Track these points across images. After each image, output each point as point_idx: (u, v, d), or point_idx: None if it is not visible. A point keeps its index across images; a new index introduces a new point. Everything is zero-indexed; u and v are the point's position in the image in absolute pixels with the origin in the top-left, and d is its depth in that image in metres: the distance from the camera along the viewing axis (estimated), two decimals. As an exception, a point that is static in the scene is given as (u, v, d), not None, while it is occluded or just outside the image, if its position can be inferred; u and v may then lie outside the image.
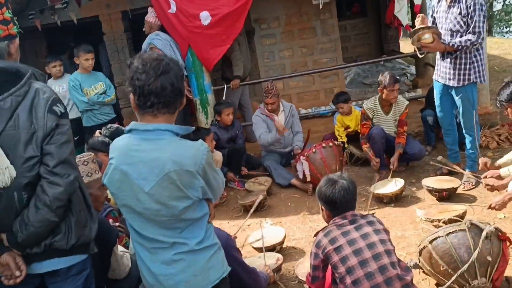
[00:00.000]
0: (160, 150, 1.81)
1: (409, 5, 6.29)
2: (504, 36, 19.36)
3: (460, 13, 4.09)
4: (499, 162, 4.02)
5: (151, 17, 5.58)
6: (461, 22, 4.11)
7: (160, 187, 1.81)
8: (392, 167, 4.81)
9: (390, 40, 9.60)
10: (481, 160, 3.84)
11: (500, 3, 20.34)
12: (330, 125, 6.15)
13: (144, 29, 5.65)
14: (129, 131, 1.88)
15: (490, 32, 19.12)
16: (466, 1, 4.04)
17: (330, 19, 6.98)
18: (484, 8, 4.08)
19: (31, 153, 1.83)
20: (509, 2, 19.65)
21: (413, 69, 8.07)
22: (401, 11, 5.57)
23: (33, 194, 1.86)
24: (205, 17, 5.41)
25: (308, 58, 7.15)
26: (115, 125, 4.31)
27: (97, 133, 4.22)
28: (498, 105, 3.43)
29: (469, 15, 4.04)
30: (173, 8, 5.41)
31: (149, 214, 1.86)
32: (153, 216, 1.86)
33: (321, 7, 5.77)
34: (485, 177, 3.62)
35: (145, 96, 1.80)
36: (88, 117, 5.42)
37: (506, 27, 20.53)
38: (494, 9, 20.70)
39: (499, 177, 3.81)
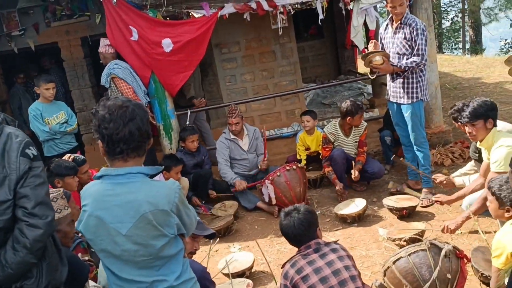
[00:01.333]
0: (134, 192, 1.85)
1: (364, 30, 6.57)
2: (453, 52, 20.28)
3: (405, 38, 4.50)
4: (453, 175, 4.27)
5: (101, 47, 5.57)
6: (406, 46, 4.52)
7: (137, 228, 1.85)
8: (353, 176, 5.01)
9: (347, 60, 9.92)
10: (438, 177, 4.12)
11: (448, 21, 21.34)
12: (293, 146, 6.29)
13: (101, 61, 5.63)
14: (100, 177, 1.91)
15: (440, 49, 20.00)
16: (409, 27, 4.46)
17: (289, 43, 7.17)
18: (425, 32, 4.50)
19: (4, 197, 1.85)
20: (457, 20, 20.65)
21: (369, 88, 8.35)
22: (357, 36, 5.81)
23: (6, 238, 1.87)
24: (167, 44, 5.46)
25: (269, 81, 7.29)
26: (81, 156, 4.31)
27: (65, 157, 4.19)
28: (462, 121, 3.58)
29: (413, 39, 4.46)
30: (135, 36, 5.44)
31: (127, 256, 1.89)
32: (131, 257, 1.89)
33: (280, 32, 5.94)
34: (435, 179, 3.84)
35: (114, 144, 1.84)
36: (50, 146, 5.35)
37: (454, 44, 21.54)
38: (443, 26, 21.71)
39: (452, 184, 4.05)
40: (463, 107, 3.59)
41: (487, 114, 3.41)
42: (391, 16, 4.64)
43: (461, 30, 20.41)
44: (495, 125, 3.45)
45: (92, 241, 1.94)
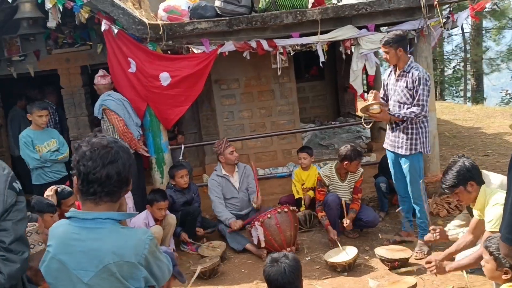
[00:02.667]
0: (100, 240, 1.75)
1: (364, 75, 6.56)
2: (455, 100, 20.39)
3: (406, 87, 4.35)
4: (447, 228, 4.14)
5: (95, 78, 5.57)
6: (407, 95, 4.36)
7: (99, 278, 1.74)
8: (345, 224, 4.87)
9: (346, 103, 9.93)
10: (426, 237, 3.98)
11: (450, 69, 21.57)
12: (287, 187, 6.18)
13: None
14: (69, 217, 1.83)
15: (441, 96, 20.12)
16: (412, 75, 4.31)
17: (288, 83, 7.17)
18: (428, 83, 4.34)
19: None
20: (459, 68, 20.86)
21: (368, 132, 8.30)
22: (356, 80, 5.79)
23: None
24: (165, 78, 5.44)
25: (267, 119, 7.25)
26: (68, 188, 4.20)
27: (47, 191, 4.07)
28: (446, 191, 3.52)
29: (415, 89, 4.31)
30: (133, 68, 5.43)
31: None
32: None
33: (279, 73, 5.93)
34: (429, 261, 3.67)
35: (89, 183, 1.75)
36: (38, 175, 5.24)
37: (456, 92, 21.70)
38: (445, 74, 21.93)
39: (446, 235, 3.92)
40: (443, 176, 3.51)
41: (464, 179, 3.32)
42: (395, 64, 4.48)
43: (463, 78, 20.60)
44: (480, 184, 3.35)
45: (52, 285, 1.83)
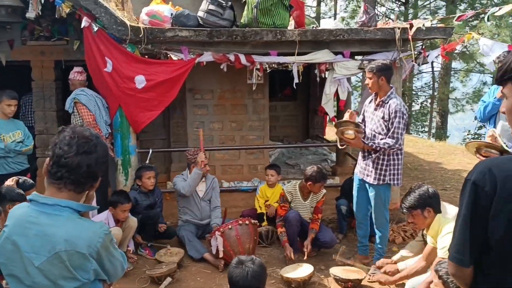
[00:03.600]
0: (55, 226, 1.76)
1: (336, 99, 6.74)
2: (419, 134, 21.01)
3: (383, 117, 4.38)
4: (394, 258, 4.26)
5: (71, 73, 5.63)
6: (383, 126, 4.39)
7: (50, 264, 1.74)
8: (305, 250, 4.92)
9: (316, 125, 10.11)
10: (378, 263, 4.09)
11: (418, 104, 22.26)
12: (250, 201, 6.23)
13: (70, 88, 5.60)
14: (30, 200, 1.84)
15: (407, 130, 20.69)
16: (389, 107, 4.33)
17: (262, 100, 7.28)
18: (405, 116, 4.34)
19: None
20: (425, 104, 21.56)
21: (334, 156, 8.47)
22: (328, 104, 5.94)
23: None
24: (140, 81, 5.45)
25: (237, 133, 7.32)
26: (30, 180, 4.14)
27: (8, 181, 4.00)
28: (404, 210, 3.66)
29: (390, 120, 4.31)
30: (109, 67, 5.41)
31: None
32: None
33: (254, 88, 6.03)
34: (384, 271, 3.80)
35: (58, 167, 1.78)
36: (1, 164, 5.12)
37: (421, 127, 22.37)
38: (413, 109, 22.61)
39: (396, 270, 4.03)
40: (404, 197, 3.66)
41: (424, 203, 3.48)
42: (377, 92, 4.53)
43: (429, 115, 21.28)
44: (436, 212, 3.51)
45: (4, 265, 1.82)
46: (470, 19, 15.57)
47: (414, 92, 21.45)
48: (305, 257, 4.89)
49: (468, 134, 18.07)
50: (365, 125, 4.62)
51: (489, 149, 3.66)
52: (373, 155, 4.45)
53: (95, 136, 1.84)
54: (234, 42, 5.54)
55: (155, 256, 5.02)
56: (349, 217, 5.63)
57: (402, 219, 6.05)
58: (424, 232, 3.66)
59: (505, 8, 4.49)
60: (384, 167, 4.42)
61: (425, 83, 21.65)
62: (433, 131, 20.23)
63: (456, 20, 4.88)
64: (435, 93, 20.02)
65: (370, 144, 4.39)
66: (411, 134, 19.47)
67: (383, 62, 4.53)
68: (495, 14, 4.73)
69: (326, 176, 5.11)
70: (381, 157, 4.41)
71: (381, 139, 4.39)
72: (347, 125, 4.43)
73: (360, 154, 4.70)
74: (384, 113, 4.36)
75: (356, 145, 4.48)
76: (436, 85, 19.94)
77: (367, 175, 4.53)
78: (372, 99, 4.61)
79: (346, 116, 4.50)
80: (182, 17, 5.47)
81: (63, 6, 5.27)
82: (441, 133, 18.34)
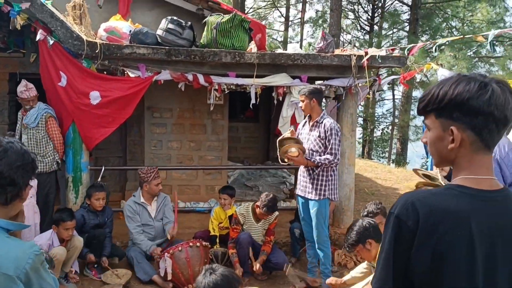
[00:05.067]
0: None
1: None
2: (380, 160, 21.42)
3: (319, 136, 4.61)
4: (345, 278, 4.26)
5: (21, 93, 5.36)
6: (320, 144, 4.62)
7: None
8: (255, 269, 4.90)
9: (277, 148, 10.14)
10: (327, 281, 4.08)
11: (379, 130, 22.78)
12: (205, 223, 6.14)
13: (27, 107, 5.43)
14: None
15: (369, 155, 21.08)
16: (324, 126, 4.59)
17: (221, 120, 7.27)
18: (339, 133, 4.64)
19: None
20: (386, 131, 22.06)
21: (292, 179, 8.49)
22: (284, 126, 5.98)
23: None
24: (95, 97, 5.36)
25: (195, 153, 7.27)
26: None
27: None
28: (347, 249, 3.68)
29: (326, 138, 4.58)
30: (63, 82, 5.31)
31: None
32: None
33: (211, 108, 6.02)
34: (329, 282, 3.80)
35: None
36: None
37: (382, 153, 22.82)
38: (374, 135, 23.10)
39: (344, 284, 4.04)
40: (345, 235, 3.70)
41: (363, 237, 3.51)
42: (309, 114, 4.78)
43: (390, 141, 21.76)
44: (378, 241, 3.54)
45: None
46: (430, 50, 16.12)
47: (376, 119, 21.92)
48: (256, 268, 4.94)
49: (426, 161, 18.51)
50: None
51: (427, 187, 3.77)
52: (314, 172, 4.64)
53: (4, 141, 1.71)
54: (193, 62, 5.54)
55: (101, 277, 4.86)
56: (302, 241, 5.62)
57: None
58: (372, 263, 3.67)
59: (452, 38, 4.66)
60: (324, 183, 4.63)
61: (387, 110, 22.21)
62: (393, 157, 20.66)
63: (409, 54, 5.02)
64: (396, 120, 20.52)
65: (313, 160, 4.59)
66: (372, 159, 19.82)
67: (314, 86, 4.91)
68: (441, 44, 4.89)
69: (276, 209, 5.17)
70: (320, 173, 4.64)
71: (320, 155, 4.62)
72: (289, 142, 4.60)
73: (300, 173, 4.87)
74: (320, 132, 4.61)
75: (300, 162, 4.64)
76: (397, 112, 20.45)
77: (309, 192, 4.71)
78: (305, 122, 4.88)
79: (287, 134, 4.68)
80: (141, 35, 5.43)
81: (18, 18, 5.17)
82: (400, 159, 18.74)
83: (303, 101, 4.64)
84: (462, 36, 4.63)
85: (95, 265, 5.05)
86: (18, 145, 1.73)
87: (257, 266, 4.91)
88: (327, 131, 4.56)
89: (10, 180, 1.68)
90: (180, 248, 4.75)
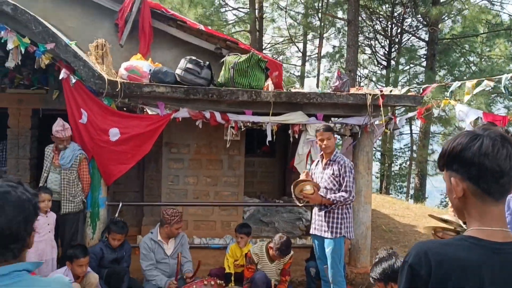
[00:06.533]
0: None
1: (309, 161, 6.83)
2: (398, 195, 21.17)
3: (333, 174, 4.64)
4: None
5: (58, 132, 5.39)
6: (334, 182, 4.64)
7: None
8: None
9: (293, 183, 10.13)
10: None
11: (397, 165, 22.60)
12: (220, 259, 6.12)
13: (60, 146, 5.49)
14: None
15: (387, 190, 20.86)
16: (338, 164, 4.63)
17: (238, 156, 7.33)
18: (352, 171, 4.68)
19: None
20: (404, 166, 21.88)
21: (309, 215, 8.44)
22: (300, 164, 6.01)
23: None
24: (114, 134, 5.48)
25: (211, 188, 7.31)
26: None
27: None
28: (371, 280, 3.65)
29: (341, 176, 4.61)
30: (84, 119, 5.45)
31: None
32: None
33: (228, 145, 6.09)
34: None
35: None
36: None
37: (400, 188, 22.58)
38: (392, 169, 22.90)
39: None
40: (374, 264, 3.66)
41: (387, 279, 3.45)
42: (322, 154, 4.82)
43: (408, 176, 21.54)
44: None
45: None
46: (448, 86, 16.10)
47: (394, 154, 21.80)
48: None
49: (446, 197, 18.24)
50: None
51: (445, 231, 3.74)
52: (330, 210, 4.64)
53: (1, 193, 1.55)
54: (210, 100, 5.65)
55: (115, 314, 4.85)
56: (318, 279, 5.55)
57: (372, 284, 5.99)
58: None
59: (467, 84, 4.68)
60: (339, 221, 4.63)
61: (405, 145, 22.08)
62: (412, 192, 20.41)
63: (422, 94, 5.06)
64: (414, 155, 20.37)
65: (328, 197, 4.60)
66: (391, 194, 19.61)
67: (328, 124, 5.00)
68: (454, 91, 4.92)
69: (290, 251, 5.14)
70: (335, 211, 4.64)
71: (334, 193, 4.63)
72: (304, 182, 4.63)
73: (315, 212, 4.86)
74: (334, 170, 4.64)
75: (315, 199, 4.65)
76: (415, 147, 20.31)
77: (324, 231, 4.69)
78: (318, 161, 4.91)
79: (302, 177, 4.75)
80: (160, 74, 5.58)
81: (43, 58, 5.36)
82: (419, 195, 18.50)
83: (328, 138, 4.63)
84: (476, 80, 4.64)
85: (111, 302, 5.06)
86: (16, 192, 1.58)
87: None
88: (341, 169, 4.59)
89: (13, 238, 1.56)
90: (194, 286, 4.73)
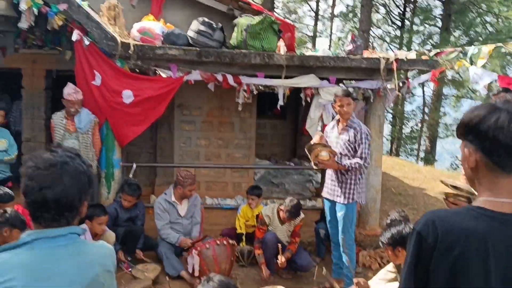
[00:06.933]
0: (82, 254, 1.62)
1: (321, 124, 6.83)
2: (408, 158, 21.19)
3: (348, 140, 4.63)
4: (371, 282, 4.30)
5: (69, 95, 5.41)
6: (349, 148, 4.64)
7: None
8: (279, 261, 5.00)
9: (303, 145, 10.15)
10: (355, 280, 4.11)
11: (408, 127, 22.51)
12: (232, 219, 6.26)
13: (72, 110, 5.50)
14: (28, 242, 1.58)
15: (397, 152, 20.86)
16: (354, 130, 4.60)
17: (249, 119, 7.37)
18: (369, 137, 4.65)
19: None
20: (416, 128, 21.79)
21: (319, 177, 8.54)
22: (312, 128, 6.03)
23: None
24: (128, 96, 5.52)
25: (223, 151, 7.39)
26: (9, 192, 4.18)
27: None
28: (380, 244, 3.73)
29: (357, 142, 4.59)
30: (97, 81, 5.48)
31: None
32: None
33: (240, 108, 6.11)
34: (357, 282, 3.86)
35: (28, 204, 1.61)
36: (-19, 172, 5.16)
37: (411, 150, 22.56)
38: (403, 132, 22.82)
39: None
40: (385, 227, 3.74)
41: (395, 243, 3.53)
42: (338, 118, 4.77)
43: (418, 139, 21.48)
44: None
45: None
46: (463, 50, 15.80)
47: (405, 115, 21.66)
48: (280, 262, 4.99)
49: (456, 160, 18.24)
50: None
51: (457, 197, 3.75)
52: (343, 175, 4.67)
53: (61, 163, 1.60)
54: (223, 63, 5.64)
55: (131, 271, 5.03)
56: (327, 241, 5.67)
57: (379, 245, 6.10)
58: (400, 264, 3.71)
59: (484, 49, 4.60)
60: (352, 186, 4.67)
61: (416, 107, 21.91)
62: (422, 155, 20.40)
63: (436, 56, 4.99)
64: (426, 117, 20.24)
65: (343, 164, 4.62)
66: (400, 157, 19.63)
67: (346, 89, 4.90)
68: (471, 56, 4.84)
69: (299, 214, 5.19)
70: (348, 176, 4.67)
71: (349, 159, 4.63)
72: (318, 147, 4.61)
73: (328, 176, 4.88)
74: (349, 136, 4.62)
75: (331, 166, 4.68)
76: (427, 109, 20.16)
77: (337, 196, 4.74)
78: (334, 125, 4.87)
79: (315, 139, 4.69)
80: (173, 36, 5.56)
81: (55, 19, 5.34)
82: (429, 157, 18.49)
83: (348, 104, 4.59)
84: (494, 46, 4.55)
85: (128, 258, 5.22)
86: (74, 163, 1.64)
87: (282, 259, 4.98)
88: (357, 135, 4.57)
89: (68, 207, 1.62)
90: (207, 246, 4.87)
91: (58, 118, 5.55)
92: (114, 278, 1.73)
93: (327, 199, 4.89)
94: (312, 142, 4.72)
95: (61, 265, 1.56)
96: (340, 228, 4.73)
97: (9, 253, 1.56)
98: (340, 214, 4.71)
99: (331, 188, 4.82)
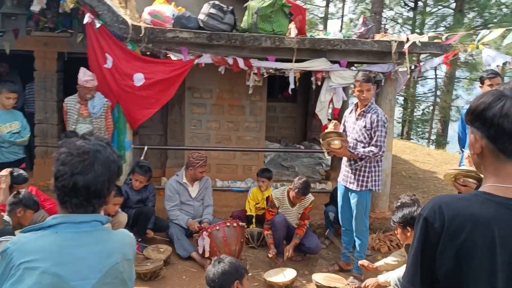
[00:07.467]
0: (103, 242, 1.66)
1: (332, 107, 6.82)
2: (419, 141, 21.06)
3: (365, 126, 4.56)
4: (377, 264, 4.34)
5: (86, 82, 5.41)
6: (365, 134, 4.57)
7: (102, 284, 1.63)
8: (287, 253, 5.03)
9: (314, 128, 10.20)
10: (360, 262, 4.19)
11: (420, 110, 22.33)
12: (242, 202, 6.33)
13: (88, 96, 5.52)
14: (53, 225, 1.63)
15: (408, 135, 20.75)
16: (371, 116, 4.53)
17: (260, 102, 7.37)
18: (386, 125, 4.56)
19: None
20: (427, 111, 21.60)
21: (329, 160, 8.56)
22: (322, 111, 6.02)
23: None
24: (139, 79, 5.55)
25: (233, 133, 7.42)
26: (24, 174, 4.26)
27: (3, 172, 4.09)
28: (391, 223, 3.79)
29: (373, 129, 4.52)
30: (109, 64, 5.51)
31: None
32: None
33: (250, 92, 6.11)
34: (365, 285, 3.91)
35: (57, 189, 1.66)
36: (-4, 153, 5.23)
37: (422, 133, 22.42)
38: (415, 114, 22.66)
39: (379, 285, 4.11)
40: (396, 208, 3.79)
41: (405, 224, 3.61)
42: (357, 102, 4.69)
43: (430, 122, 21.32)
44: None
45: None
46: (476, 34, 15.54)
47: (417, 98, 21.47)
48: (285, 258, 5.02)
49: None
50: (346, 135, 4.75)
51: (467, 179, 3.73)
52: (358, 163, 4.62)
53: (93, 151, 1.64)
54: (233, 46, 5.63)
55: (143, 252, 5.13)
56: (336, 224, 5.71)
57: (389, 229, 6.14)
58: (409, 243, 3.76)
59: (495, 33, 4.55)
60: (366, 174, 4.61)
61: (428, 90, 21.68)
62: (434, 137, 20.27)
63: (446, 42, 4.93)
64: (438, 100, 20.05)
65: (356, 152, 4.57)
66: (411, 140, 19.53)
67: (370, 73, 4.74)
68: (484, 40, 4.79)
69: (308, 191, 5.19)
70: (364, 164, 4.61)
71: (363, 147, 4.58)
72: (332, 135, 4.59)
73: (344, 162, 4.85)
74: (366, 123, 4.56)
75: (343, 154, 4.66)
76: (439, 92, 19.95)
77: (350, 182, 4.71)
78: (352, 110, 4.79)
79: (330, 127, 4.68)
80: (183, 19, 5.55)
81: (67, 2, 5.37)
82: (440, 141, 18.38)
83: (368, 89, 4.50)
84: (504, 29, 4.50)
85: (139, 239, 5.32)
86: (105, 152, 1.66)
87: (289, 251, 5.02)
88: (373, 122, 4.49)
89: (96, 194, 1.66)
90: (218, 228, 4.95)
91: (71, 102, 5.59)
92: (133, 266, 1.77)
93: (341, 184, 4.87)
94: (326, 130, 4.71)
95: (82, 251, 1.61)
96: (354, 215, 4.72)
97: (34, 234, 1.62)
98: (353, 201, 4.69)
99: (345, 175, 4.78)
